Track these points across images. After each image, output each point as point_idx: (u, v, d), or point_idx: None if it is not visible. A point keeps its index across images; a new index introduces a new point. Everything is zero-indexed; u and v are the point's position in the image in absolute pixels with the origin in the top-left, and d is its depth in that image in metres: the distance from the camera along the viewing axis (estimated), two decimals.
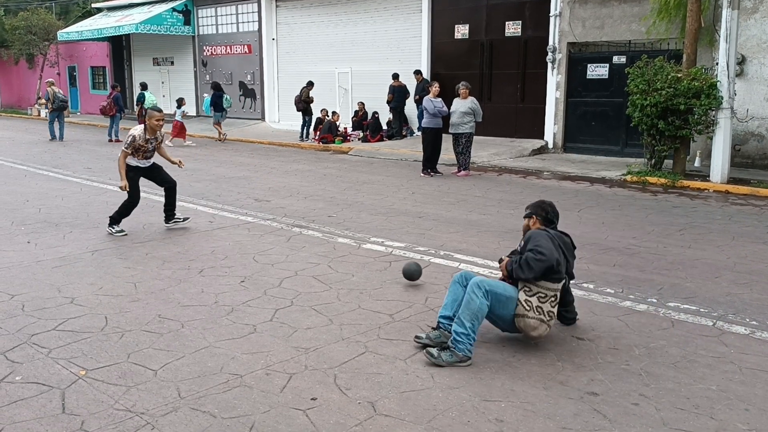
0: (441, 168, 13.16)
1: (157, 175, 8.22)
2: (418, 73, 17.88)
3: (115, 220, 7.98)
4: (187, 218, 8.44)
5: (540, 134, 16.32)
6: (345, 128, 19.20)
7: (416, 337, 4.61)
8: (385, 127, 18.83)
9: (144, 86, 20.45)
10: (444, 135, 13.00)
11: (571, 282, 5.96)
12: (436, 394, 3.89)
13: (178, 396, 3.85)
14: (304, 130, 19.35)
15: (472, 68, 17.66)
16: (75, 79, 32.67)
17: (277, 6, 22.83)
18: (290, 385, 3.99)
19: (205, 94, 20.78)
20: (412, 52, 18.90)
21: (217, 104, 19.49)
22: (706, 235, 7.96)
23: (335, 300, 5.55)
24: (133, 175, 7.94)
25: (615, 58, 14.89)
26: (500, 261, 4.69)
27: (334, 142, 18.06)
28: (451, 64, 18.24)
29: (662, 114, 11.76)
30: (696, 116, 11.57)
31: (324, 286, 5.91)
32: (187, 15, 25.68)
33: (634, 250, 7.18)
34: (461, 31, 17.95)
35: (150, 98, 19.67)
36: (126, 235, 7.83)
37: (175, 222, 8.29)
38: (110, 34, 26.59)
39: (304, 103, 19.26)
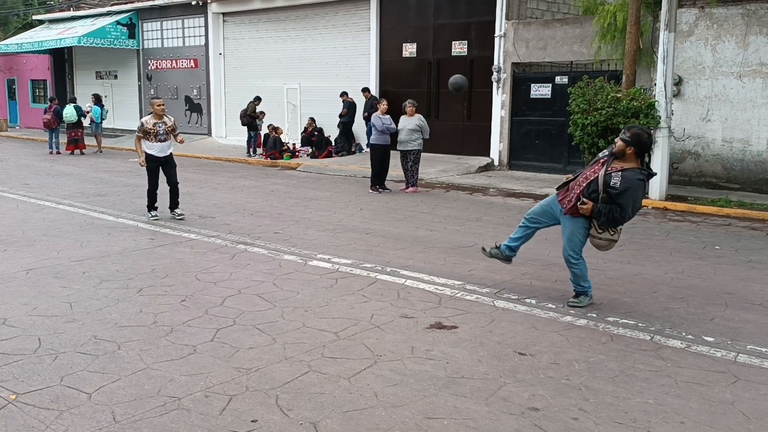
0: (389, 184, 13.20)
1: (168, 170, 9.65)
2: (366, 90, 17.95)
3: (150, 207, 9.67)
4: (183, 216, 9.71)
5: (486, 152, 16.55)
6: (293, 144, 19.11)
7: (483, 248, 6.54)
8: (333, 143, 18.82)
9: (72, 100, 20.97)
10: (392, 152, 13.07)
11: (513, 299, 6.08)
12: (379, 413, 3.87)
13: (113, 420, 3.73)
14: (250, 146, 19.21)
15: (420, 86, 17.83)
16: (14, 93, 31.68)
17: (224, 21, 22.64)
18: (230, 407, 3.91)
19: (89, 104, 21.20)
20: (360, 70, 18.97)
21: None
22: (645, 251, 8.17)
23: (279, 318, 5.47)
24: (152, 166, 9.50)
25: (557, 78, 15.23)
26: (583, 203, 5.52)
27: (282, 158, 17.94)
28: (399, 81, 18.38)
29: (602, 133, 12.06)
30: None
31: (268, 305, 5.82)
32: (131, 28, 25.22)
33: None
34: (409, 49, 18.13)
35: (68, 111, 19.85)
36: (157, 218, 9.58)
37: (174, 214, 9.71)
38: (52, 47, 25.88)
39: (249, 117, 19.12)
